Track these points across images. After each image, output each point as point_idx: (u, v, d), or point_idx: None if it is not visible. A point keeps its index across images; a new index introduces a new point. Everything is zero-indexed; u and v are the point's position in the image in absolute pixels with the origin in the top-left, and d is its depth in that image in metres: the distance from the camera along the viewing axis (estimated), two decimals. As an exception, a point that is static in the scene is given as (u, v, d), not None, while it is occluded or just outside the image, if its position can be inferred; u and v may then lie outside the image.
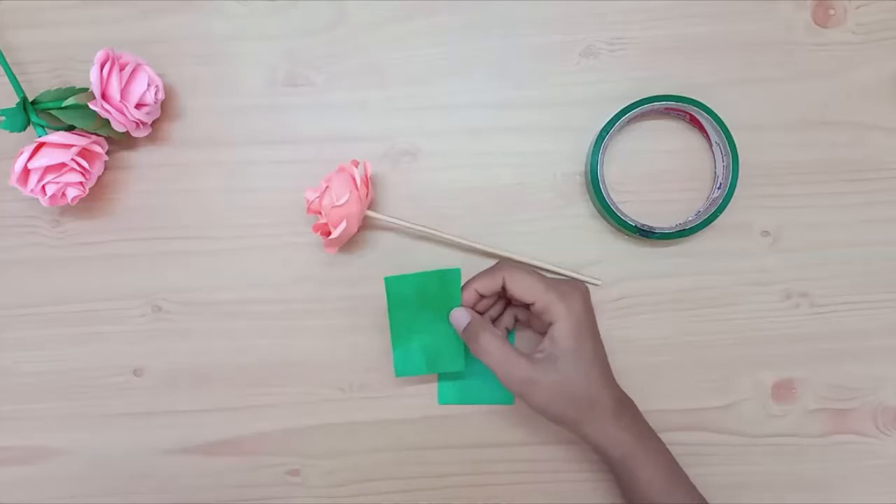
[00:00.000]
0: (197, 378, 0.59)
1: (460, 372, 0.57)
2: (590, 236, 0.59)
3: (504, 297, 0.55)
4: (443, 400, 0.58)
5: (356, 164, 0.55)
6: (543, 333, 0.51)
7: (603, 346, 0.52)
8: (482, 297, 0.53)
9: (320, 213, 0.55)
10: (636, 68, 0.59)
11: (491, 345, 0.50)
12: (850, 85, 0.59)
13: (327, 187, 0.54)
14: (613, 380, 0.52)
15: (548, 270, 0.58)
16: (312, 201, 0.55)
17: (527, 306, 0.52)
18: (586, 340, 0.50)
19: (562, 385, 0.49)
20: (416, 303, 0.53)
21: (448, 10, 0.59)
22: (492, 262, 0.58)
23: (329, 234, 0.55)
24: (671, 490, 0.50)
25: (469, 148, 0.59)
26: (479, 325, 0.51)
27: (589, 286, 0.57)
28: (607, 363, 0.52)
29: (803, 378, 0.58)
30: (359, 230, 0.57)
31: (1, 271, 0.59)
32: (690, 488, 0.51)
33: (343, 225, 0.54)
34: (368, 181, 0.55)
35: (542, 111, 0.59)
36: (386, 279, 0.53)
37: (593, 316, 0.52)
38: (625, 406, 0.51)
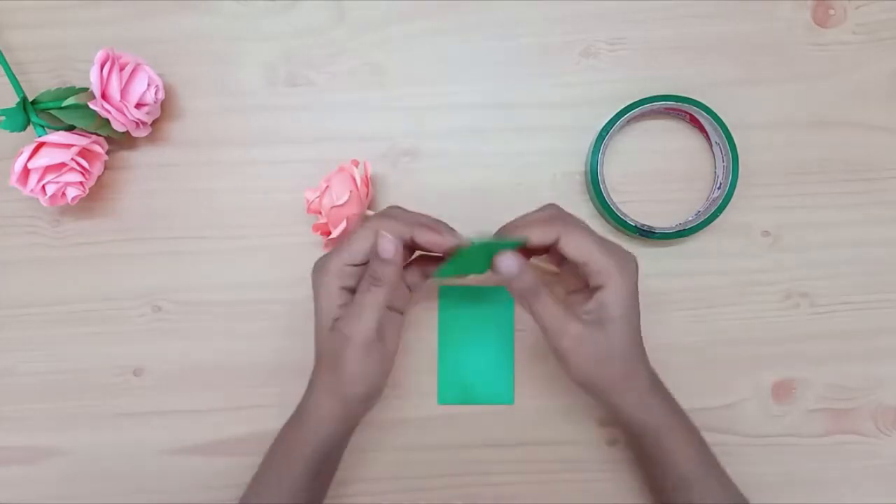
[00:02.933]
0: (197, 378, 0.59)
1: (460, 372, 0.57)
2: (590, 236, 0.59)
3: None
4: (442, 400, 0.58)
5: (356, 163, 0.55)
6: (574, 290, 0.50)
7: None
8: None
9: (320, 213, 0.55)
10: (636, 68, 0.59)
11: (546, 299, 0.46)
12: (850, 85, 0.59)
13: (327, 187, 0.54)
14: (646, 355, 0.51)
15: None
16: (312, 201, 0.55)
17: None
18: (634, 311, 0.48)
19: (608, 350, 0.47)
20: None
21: (448, 10, 0.59)
22: None
23: (329, 233, 0.55)
24: (704, 468, 0.50)
25: (469, 148, 0.59)
26: (534, 279, 0.46)
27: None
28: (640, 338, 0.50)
29: (803, 378, 0.58)
30: None
31: (1, 271, 0.59)
32: (723, 471, 0.51)
33: (343, 225, 0.54)
34: (369, 181, 0.55)
35: (542, 111, 0.59)
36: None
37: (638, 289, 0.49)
38: (659, 381, 0.51)
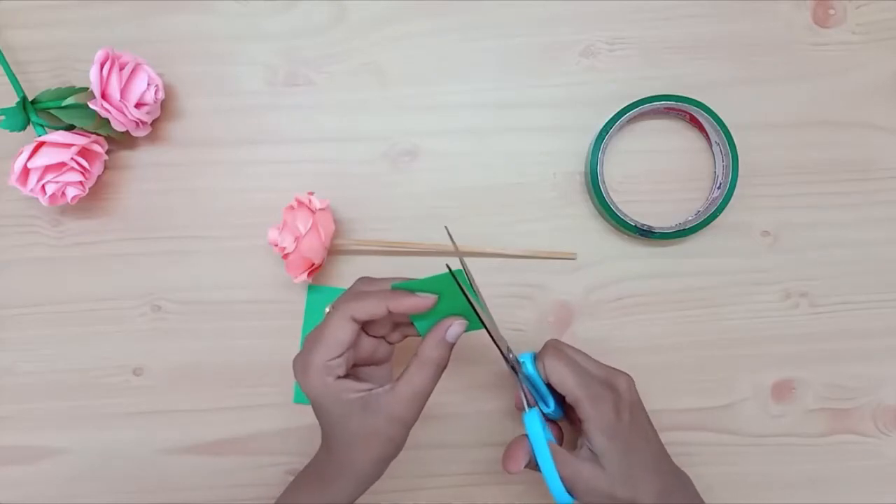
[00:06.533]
0: (197, 378, 0.59)
1: None
2: (590, 236, 0.59)
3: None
4: (298, 399, 0.58)
5: (311, 194, 0.55)
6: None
7: (648, 433, 0.49)
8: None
9: (284, 252, 0.54)
10: (636, 68, 0.59)
11: (560, 455, 0.46)
12: (850, 85, 0.59)
13: (285, 224, 0.54)
14: (661, 466, 0.48)
15: (519, 257, 0.58)
16: (276, 241, 0.55)
17: None
18: (618, 439, 0.46)
19: (605, 484, 0.46)
20: (431, 312, 0.46)
21: (448, 10, 0.59)
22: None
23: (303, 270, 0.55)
24: None
25: (469, 148, 0.59)
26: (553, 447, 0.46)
27: (566, 261, 0.57)
28: (652, 452, 0.48)
29: (803, 378, 0.58)
30: (330, 254, 0.57)
31: (1, 271, 0.59)
32: None
33: (304, 275, 0.54)
34: (328, 210, 0.55)
35: (542, 111, 0.59)
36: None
37: (630, 412, 0.47)
38: (669, 496, 0.47)
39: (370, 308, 0.44)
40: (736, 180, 0.56)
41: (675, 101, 0.56)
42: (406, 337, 0.49)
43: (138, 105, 0.56)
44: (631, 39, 0.59)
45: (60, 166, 0.54)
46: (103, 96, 0.54)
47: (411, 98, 0.59)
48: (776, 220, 0.59)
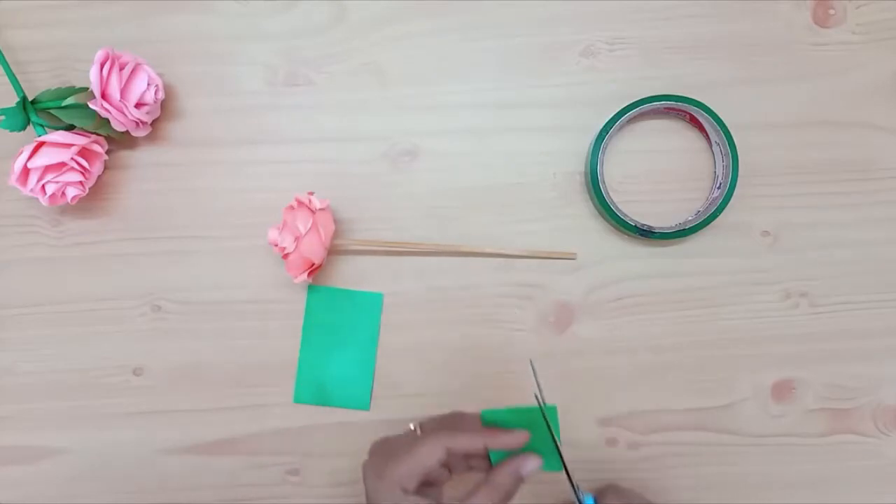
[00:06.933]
0: (197, 378, 0.59)
1: (319, 373, 0.58)
2: (590, 236, 0.59)
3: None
4: (298, 399, 0.58)
5: (311, 194, 0.55)
6: None
7: None
8: None
9: (284, 252, 0.54)
10: (636, 68, 0.59)
11: None
12: (850, 85, 0.59)
13: (285, 224, 0.54)
14: None
15: (519, 257, 0.58)
16: (276, 241, 0.55)
17: None
18: None
19: None
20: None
21: (448, 10, 0.59)
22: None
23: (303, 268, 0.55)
24: None
25: (469, 148, 0.59)
26: None
27: (566, 261, 0.58)
28: None
29: (803, 378, 0.58)
30: (330, 253, 0.57)
31: (1, 271, 0.59)
32: None
33: (304, 275, 0.54)
34: (328, 210, 0.55)
35: (542, 111, 0.59)
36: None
37: None
38: None
39: (467, 443, 0.46)
40: (736, 180, 0.56)
41: (675, 101, 0.56)
42: (471, 469, 0.50)
43: (138, 105, 0.56)
44: (631, 39, 0.59)
45: (60, 166, 0.54)
46: (103, 96, 0.54)
47: (411, 98, 0.59)
48: (776, 220, 0.59)
